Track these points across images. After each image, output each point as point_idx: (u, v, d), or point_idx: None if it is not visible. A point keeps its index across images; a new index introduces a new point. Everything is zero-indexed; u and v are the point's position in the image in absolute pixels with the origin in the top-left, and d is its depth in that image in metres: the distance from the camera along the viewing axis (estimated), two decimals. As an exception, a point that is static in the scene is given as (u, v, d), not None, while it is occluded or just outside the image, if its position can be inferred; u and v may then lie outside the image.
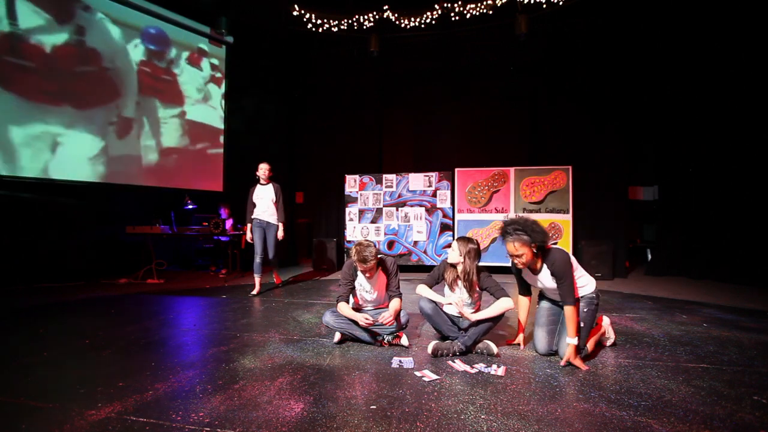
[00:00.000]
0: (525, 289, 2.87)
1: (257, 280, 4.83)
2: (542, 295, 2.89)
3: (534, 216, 6.26)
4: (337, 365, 2.56)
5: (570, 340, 2.47)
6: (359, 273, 2.95)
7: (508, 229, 2.52)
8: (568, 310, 2.48)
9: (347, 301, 3.00)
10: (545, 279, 2.60)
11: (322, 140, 7.81)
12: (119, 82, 5.81)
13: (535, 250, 2.50)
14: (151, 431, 1.76)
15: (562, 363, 2.46)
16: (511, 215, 6.40)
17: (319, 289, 5.29)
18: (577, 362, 2.47)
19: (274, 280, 5.33)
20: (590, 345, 2.69)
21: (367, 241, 2.84)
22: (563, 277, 2.48)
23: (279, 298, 4.66)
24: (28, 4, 4.98)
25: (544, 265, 2.57)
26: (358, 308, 3.06)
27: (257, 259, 4.85)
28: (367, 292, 3.00)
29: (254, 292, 4.79)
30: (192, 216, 6.84)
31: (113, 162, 5.75)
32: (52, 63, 5.18)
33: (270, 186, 4.93)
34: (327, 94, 7.84)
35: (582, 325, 2.58)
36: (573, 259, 2.58)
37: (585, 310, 2.62)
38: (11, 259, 5.15)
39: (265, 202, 4.88)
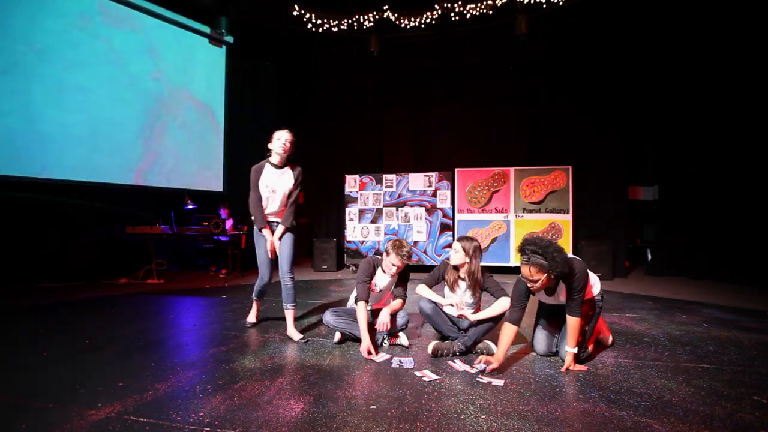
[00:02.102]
0: (517, 316, 2.49)
1: (255, 305, 3.43)
2: (543, 314, 2.78)
3: (534, 216, 6.30)
4: (337, 365, 2.56)
5: (569, 349, 2.45)
6: (378, 272, 2.96)
7: (525, 249, 2.31)
8: (573, 321, 2.41)
9: (367, 301, 2.89)
10: (562, 297, 2.49)
11: (322, 140, 7.81)
12: (119, 81, 5.81)
13: (552, 277, 2.31)
14: (151, 431, 1.76)
15: (563, 370, 2.44)
16: (511, 216, 6.40)
17: (319, 289, 5.29)
18: (576, 368, 2.46)
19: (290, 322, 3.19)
20: (590, 346, 2.69)
21: (404, 240, 2.95)
22: (580, 292, 2.39)
23: (279, 298, 4.65)
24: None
25: (560, 281, 2.44)
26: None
27: (263, 281, 3.25)
28: (380, 291, 3.01)
29: (251, 320, 3.42)
30: (192, 216, 6.85)
31: (113, 162, 5.74)
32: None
33: (287, 171, 3.13)
34: (327, 94, 7.84)
35: (585, 329, 2.55)
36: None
37: (590, 313, 2.59)
38: (11, 259, 5.15)
39: (278, 196, 3.11)
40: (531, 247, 2.29)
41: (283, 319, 3.21)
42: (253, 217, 3.10)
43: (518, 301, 2.51)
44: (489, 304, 2.81)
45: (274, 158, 3.10)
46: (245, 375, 2.38)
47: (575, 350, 2.45)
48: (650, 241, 7.46)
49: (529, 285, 2.38)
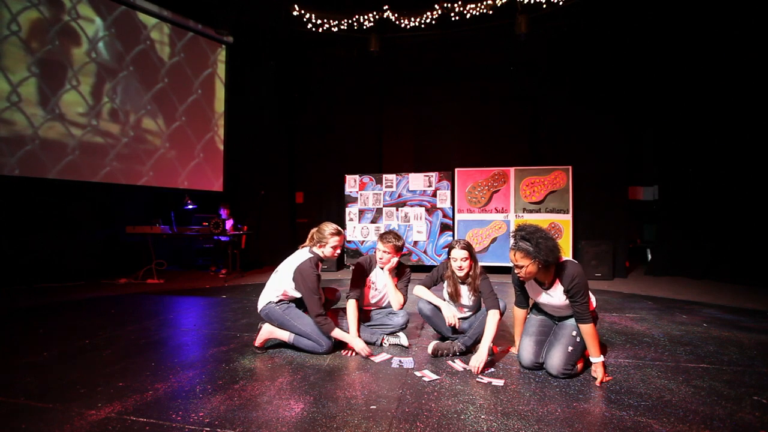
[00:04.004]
0: (523, 301, 2.66)
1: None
2: (537, 307, 2.68)
3: (534, 216, 6.29)
4: (337, 365, 2.56)
5: (595, 359, 2.31)
6: (375, 269, 2.99)
7: (515, 235, 2.32)
8: (585, 329, 2.30)
9: (358, 300, 2.93)
10: (556, 295, 2.39)
11: (322, 140, 7.81)
12: (119, 82, 5.81)
13: (539, 266, 2.27)
14: (151, 431, 1.76)
15: (598, 383, 2.27)
16: (511, 216, 6.40)
17: (319, 289, 5.28)
18: (606, 379, 2.33)
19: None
20: (580, 365, 2.49)
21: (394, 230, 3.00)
22: (582, 295, 2.29)
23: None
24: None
25: (557, 281, 2.35)
26: (367, 307, 3.08)
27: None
28: (377, 290, 3.01)
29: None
30: (192, 216, 6.84)
31: (114, 162, 5.74)
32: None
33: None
34: (327, 93, 7.84)
35: (570, 349, 2.38)
36: None
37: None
38: (11, 259, 5.15)
39: None
40: (521, 233, 2.31)
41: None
42: (324, 322, 2.70)
43: (517, 287, 2.64)
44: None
45: (320, 254, 2.87)
46: (245, 375, 2.38)
47: (602, 358, 2.32)
48: (650, 241, 7.46)
49: (516, 271, 2.38)
